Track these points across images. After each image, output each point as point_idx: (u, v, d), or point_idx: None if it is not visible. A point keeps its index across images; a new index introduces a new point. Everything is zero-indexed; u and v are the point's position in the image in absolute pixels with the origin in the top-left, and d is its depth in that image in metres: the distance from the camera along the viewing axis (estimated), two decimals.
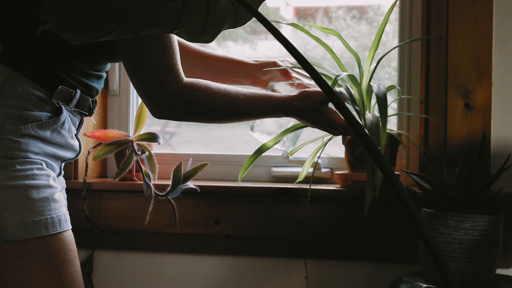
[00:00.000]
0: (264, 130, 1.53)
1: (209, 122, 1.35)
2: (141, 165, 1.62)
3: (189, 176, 1.60)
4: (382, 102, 1.34)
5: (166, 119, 1.28)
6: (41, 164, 1.14)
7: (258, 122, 1.54)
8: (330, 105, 1.37)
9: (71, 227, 1.19)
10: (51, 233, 1.12)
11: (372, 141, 0.53)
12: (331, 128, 1.38)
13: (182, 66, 1.49)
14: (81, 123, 1.28)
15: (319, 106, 1.33)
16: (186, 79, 1.20)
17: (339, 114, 1.33)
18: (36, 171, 1.12)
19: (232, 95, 1.26)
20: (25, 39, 1.14)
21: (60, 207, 1.16)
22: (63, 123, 1.19)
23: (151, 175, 1.62)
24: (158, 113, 1.23)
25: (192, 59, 1.52)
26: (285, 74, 1.54)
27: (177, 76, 1.18)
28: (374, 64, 1.53)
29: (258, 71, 1.54)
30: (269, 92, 1.33)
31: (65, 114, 1.19)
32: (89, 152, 1.76)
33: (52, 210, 1.13)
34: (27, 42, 1.14)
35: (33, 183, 1.11)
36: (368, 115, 1.39)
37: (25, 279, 1.10)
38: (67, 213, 1.18)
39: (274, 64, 1.53)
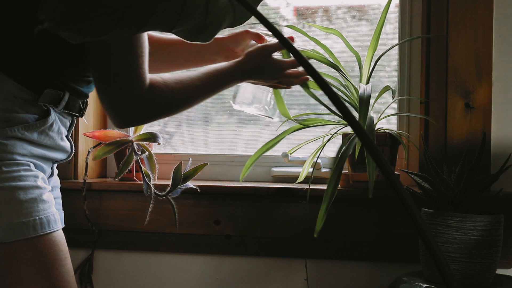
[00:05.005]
0: (243, 103, 1.47)
1: (172, 115, 1.32)
2: (141, 165, 1.62)
3: (189, 176, 1.60)
4: (363, 103, 1.34)
5: (127, 127, 1.25)
6: (29, 166, 1.14)
7: (237, 96, 1.48)
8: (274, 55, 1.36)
9: (61, 226, 1.18)
10: (40, 234, 1.11)
11: (372, 142, 0.52)
12: (283, 76, 1.36)
13: (150, 59, 1.47)
14: (72, 124, 1.27)
15: (267, 60, 1.33)
16: (147, 84, 1.17)
17: (282, 59, 1.34)
18: (23, 173, 1.12)
19: (189, 83, 1.24)
20: (14, 41, 1.13)
21: (49, 208, 1.14)
22: (51, 125, 1.18)
23: (151, 175, 1.62)
24: (121, 122, 1.19)
25: (161, 50, 1.47)
26: (259, 40, 1.47)
27: (143, 85, 1.16)
28: (372, 64, 1.53)
29: (230, 43, 1.47)
30: (218, 65, 1.32)
31: (53, 116, 1.18)
32: (89, 152, 1.76)
33: (40, 211, 1.12)
34: (15, 44, 1.13)
35: (20, 184, 1.10)
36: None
37: (15, 281, 1.09)
38: (57, 213, 1.17)
39: (246, 32, 1.46)
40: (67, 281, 1.14)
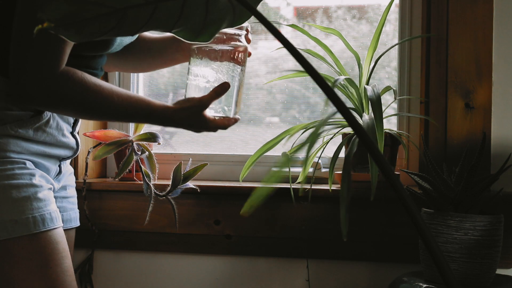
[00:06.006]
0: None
1: (76, 116, 1.25)
2: (141, 165, 1.62)
3: (189, 176, 1.60)
4: (376, 105, 1.33)
5: (24, 104, 1.15)
6: (24, 164, 1.13)
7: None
8: (207, 112, 1.27)
9: (61, 225, 1.17)
10: (33, 232, 1.10)
11: (372, 141, 0.52)
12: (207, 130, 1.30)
13: (125, 53, 1.39)
14: (77, 120, 1.27)
15: (197, 117, 1.24)
16: (63, 68, 1.12)
17: (216, 120, 1.25)
18: (17, 171, 1.11)
19: (106, 94, 1.16)
20: (6, 39, 1.13)
21: (45, 206, 1.14)
22: (48, 121, 1.18)
23: (151, 175, 1.62)
24: (20, 96, 1.11)
25: (135, 45, 1.44)
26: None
27: (58, 65, 1.10)
28: (372, 64, 1.53)
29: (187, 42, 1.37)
30: (148, 99, 1.23)
31: (49, 112, 1.18)
32: (89, 152, 1.76)
33: (34, 209, 1.11)
34: (5, 41, 1.13)
35: (14, 182, 1.10)
36: (365, 117, 1.39)
37: (8, 279, 1.09)
38: (55, 211, 1.16)
39: None
40: (63, 280, 1.13)
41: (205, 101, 1.23)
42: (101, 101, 1.15)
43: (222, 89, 1.24)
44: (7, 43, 1.13)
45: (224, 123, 1.29)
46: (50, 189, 1.18)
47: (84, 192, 1.71)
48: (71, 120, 1.25)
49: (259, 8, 1.47)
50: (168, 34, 1.42)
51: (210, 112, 1.29)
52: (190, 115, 1.23)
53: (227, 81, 1.28)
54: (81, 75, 1.14)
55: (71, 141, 1.25)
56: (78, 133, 1.29)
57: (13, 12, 1.12)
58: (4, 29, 1.14)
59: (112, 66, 1.47)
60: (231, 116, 1.33)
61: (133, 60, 1.45)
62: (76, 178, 1.79)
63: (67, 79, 1.11)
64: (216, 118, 1.30)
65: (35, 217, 1.11)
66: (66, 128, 1.23)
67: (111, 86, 1.18)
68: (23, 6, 1.08)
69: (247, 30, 1.31)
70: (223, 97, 1.28)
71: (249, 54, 1.34)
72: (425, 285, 1.33)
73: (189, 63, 1.30)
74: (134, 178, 1.75)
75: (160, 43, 1.42)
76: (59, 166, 1.26)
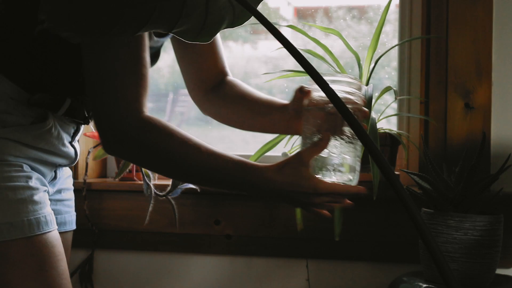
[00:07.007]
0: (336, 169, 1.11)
1: (160, 172, 1.16)
2: None
3: None
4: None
5: (114, 155, 1.13)
6: (21, 167, 1.12)
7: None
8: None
9: (55, 228, 1.16)
10: (28, 235, 1.08)
11: (372, 141, 0.53)
12: (317, 202, 1.10)
13: (221, 104, 1.34)
14: (77, 131, 1.24)
15: (298, 174, 1.06)
16: (144, 114, 1.05)
17: (326, 183, 1.06)
18: (14, 173, 1.10)
19: (192, 144, 1.06)
20: (15, 43, 1.12)
21: (41, 209, 1.12)
22: (49, 130, 1.16)
23: (151, 175, 1.62)
24: (105, 146, 1.08)
25: (237, 99, 1.34)
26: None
27: (135, 109, 1.05)
28: (372, 64, 1.53)
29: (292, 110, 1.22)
30: (240, 158, 1.08)
31: (52, 121, 1.16)
32: (89, 152, 1.76)
33: (30, 212, 1.10)
34: (16, 46, 1.12)
35: (9, 185, 1.09)
36: None
37: (4, 282, 1.08)
38: (50, 214, 1.14)
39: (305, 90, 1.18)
40: (59, 283, 1.11)
41: (303, 153, 1.06)
42: (186, 152, 1.06)
43: (324, 141, 1.06)
44: (13, 46, 1.13)
45: (341, 190, 1.09)
46: (45, 191, 1.18)
47: (84, 192, 1.72)
48: (72, 130, 1.23)
49: (259, 8, 1.46)
50: (274, 99, 1.29)
51: (326, 179, 1.09)
52: (290, 172, 1.06)
53: (347, 149, 1.09)
54: (164, 122, 1.07)
55: (70, 151, 1.24)
56: (78, 141, 1.28)
57: (18, 15, 1.11)
58: (9, 33, 1.13)
59: (212, 114, 1.40)
60: (354, 180, 1.12)
61: (230, 112, 1.36)
62: (76, 178, 1.79)
63: (148, 124, 1.05)
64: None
65: (30, 220, 1.09)
66: (66, 138, 1.22)
67: (197, 139, 1.08)
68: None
69: (364, 102, 1.16)
70: (344, 165, 1.10)
71: (367, 114, 1.18)
72: (425, 285, 1.33)
73: (304, 132, 1.12)
74: (134, 178, 1.75)
75: (264, 106, 1.30)
76: (55, 171, 1.25)
